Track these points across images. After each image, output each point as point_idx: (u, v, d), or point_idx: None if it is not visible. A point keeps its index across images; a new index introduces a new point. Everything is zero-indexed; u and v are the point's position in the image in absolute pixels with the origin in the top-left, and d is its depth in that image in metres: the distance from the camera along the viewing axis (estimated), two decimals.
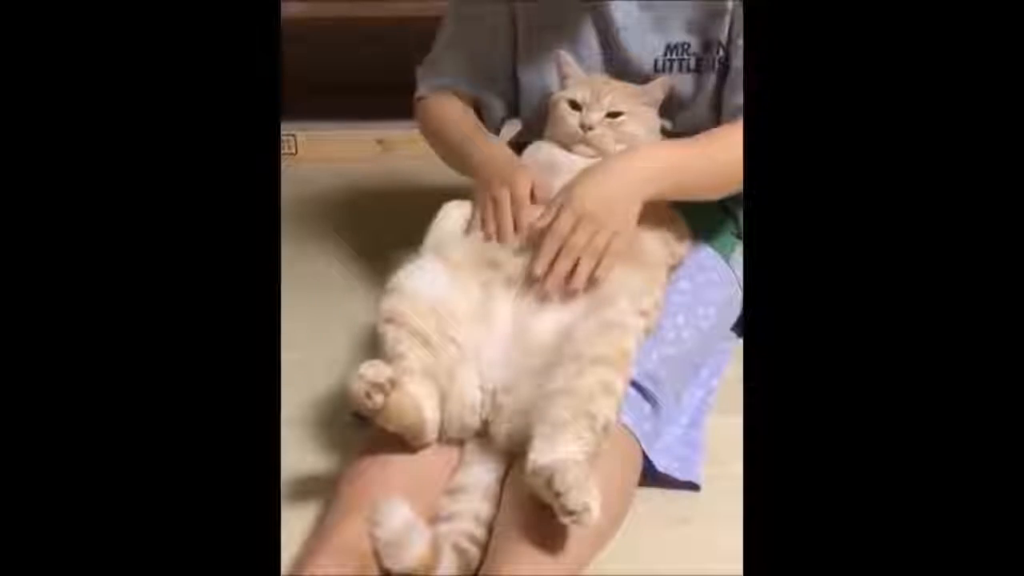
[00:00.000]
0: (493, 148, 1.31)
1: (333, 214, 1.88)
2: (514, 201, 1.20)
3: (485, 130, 1.39)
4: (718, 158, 1.21)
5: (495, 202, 1.20)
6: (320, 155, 2.14)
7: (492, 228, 1.19)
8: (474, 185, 1.29)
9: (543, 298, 1.12)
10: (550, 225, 1.13)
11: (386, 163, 2.12)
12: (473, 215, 1.24)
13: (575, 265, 1.12)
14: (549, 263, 1.12)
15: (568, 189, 1.16)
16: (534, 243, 1.14)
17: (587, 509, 0.89)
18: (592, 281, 1.12)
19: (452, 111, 1.40)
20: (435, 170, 1.96)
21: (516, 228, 1.18)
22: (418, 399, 1.02)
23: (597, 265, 1.13)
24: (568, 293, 1.12)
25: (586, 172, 1.18)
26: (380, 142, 2.16)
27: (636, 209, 1.17)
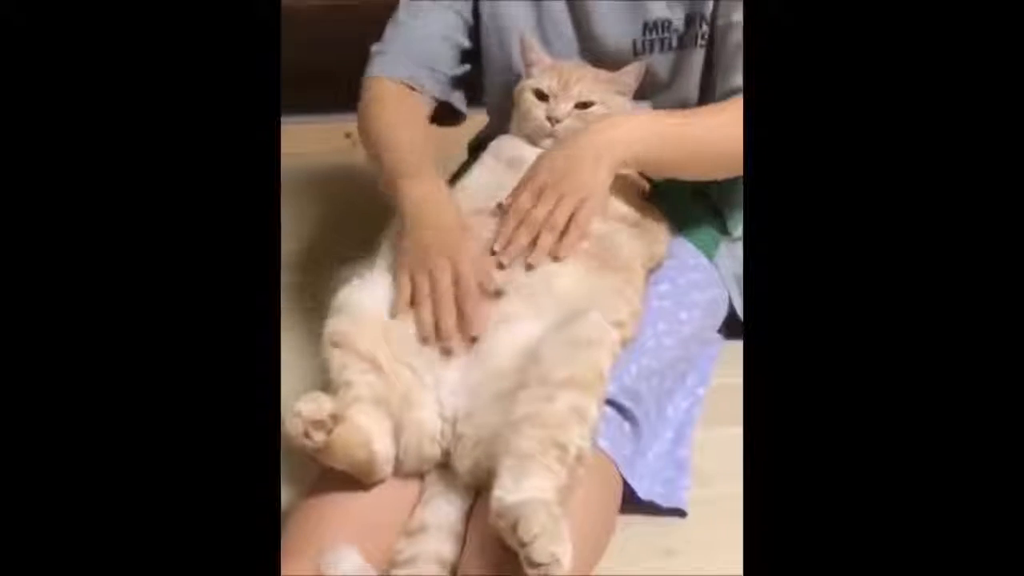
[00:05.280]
0: (429, 186, 1.10)
1: (299, 210, 1.78)
2: (457, 283, 1.00)
3: (424, 148, 1.18)
4: (714, 132, 1.10)
5: (432, 281, 1.00)
6: (286, 148, 2.03)
7: (427, 315, 1.00)
8: (398, 228, 1.08)
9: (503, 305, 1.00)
10: (510, 204, 1.06)
11: (355, 157, 2.03)
12: (395, 287, 1.03)
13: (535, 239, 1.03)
14: (507, 241, 1.04)
15: (531, 165, 1.09)
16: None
17: (555, 561, 0.79)
18: (555, 256, 1.03)
19: (391, 105, 1.25)
20: None
21: (460, 320, 0.98)
22: (367, 432, 0.92)
23: (562, 237, 1.04)
24: (528, 267, 1.02)
25: (551, 146, 1.12)
26: (348, 135, 2.06)
27: (604, 172, 1.08)
